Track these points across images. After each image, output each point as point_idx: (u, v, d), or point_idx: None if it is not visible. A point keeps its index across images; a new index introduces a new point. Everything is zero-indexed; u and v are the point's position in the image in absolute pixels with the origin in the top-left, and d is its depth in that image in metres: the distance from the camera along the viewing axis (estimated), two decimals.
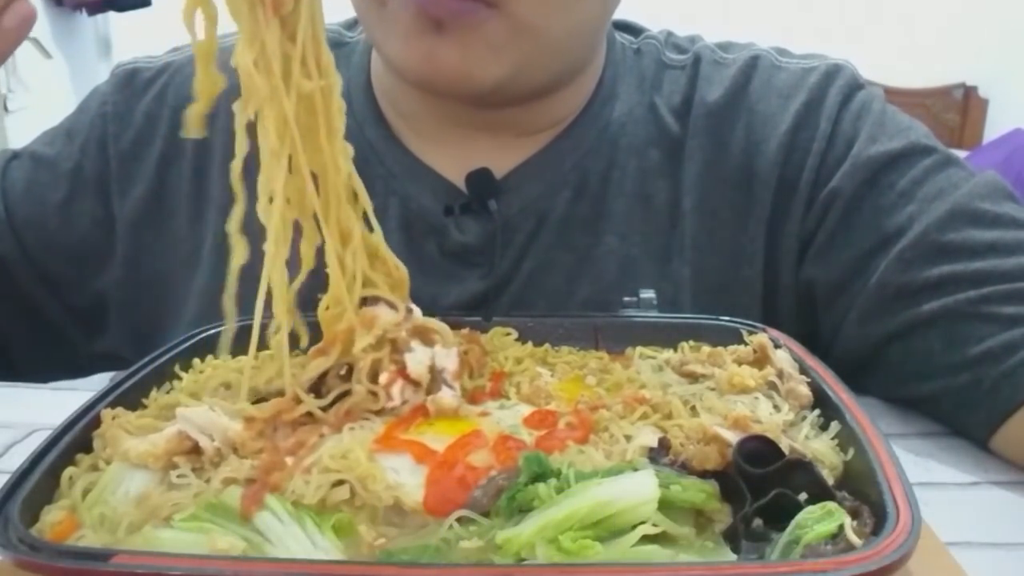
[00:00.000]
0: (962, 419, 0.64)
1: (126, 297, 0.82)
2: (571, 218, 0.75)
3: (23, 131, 2.54)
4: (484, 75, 0.65)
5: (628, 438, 0.50)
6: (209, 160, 0.78)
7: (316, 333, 0.56)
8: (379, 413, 0.52)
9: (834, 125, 0.73)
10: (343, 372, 0.54)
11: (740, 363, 0.59)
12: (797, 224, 0.74)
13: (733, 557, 0.42)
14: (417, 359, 0.53)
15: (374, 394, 0.52)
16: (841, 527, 0.40)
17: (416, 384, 0.53)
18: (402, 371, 0.53)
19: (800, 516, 0.41)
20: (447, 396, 0.52)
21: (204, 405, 0.51)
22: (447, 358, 0.54)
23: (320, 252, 0.54)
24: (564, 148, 0.75)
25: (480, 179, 0.72)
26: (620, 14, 0.83)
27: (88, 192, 0.80)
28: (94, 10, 3.29)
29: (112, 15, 3.38)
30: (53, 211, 0.80)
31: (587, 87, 0.76)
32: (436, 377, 0.53)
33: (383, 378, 0.52)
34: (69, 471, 0.47)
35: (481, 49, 0.63)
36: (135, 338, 0.82)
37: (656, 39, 0.81)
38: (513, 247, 0.75)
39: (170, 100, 0.80)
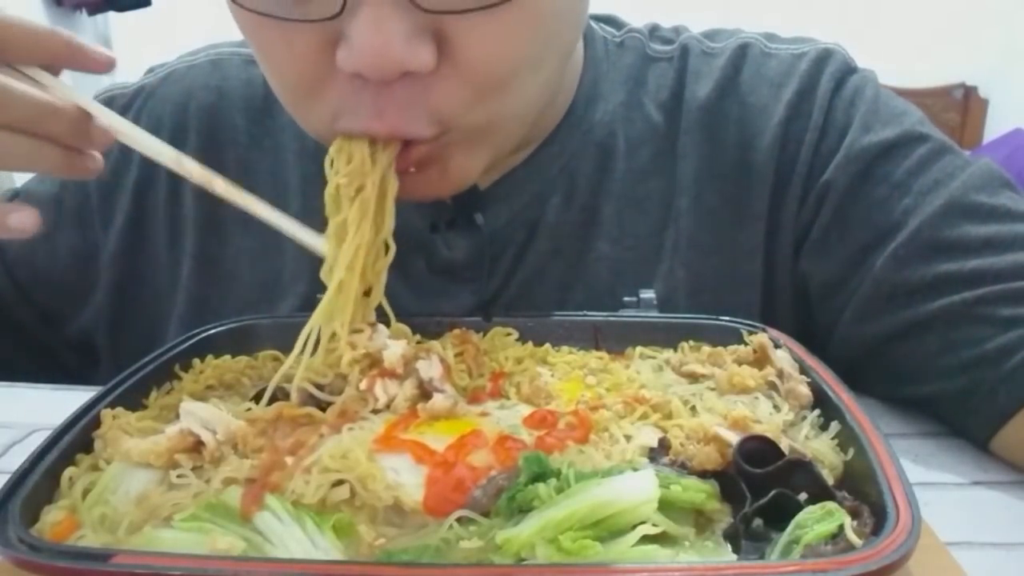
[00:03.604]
0: (961, 421, 0.63)
1: (113, 327, 0.81)
2: (561, 225, 0.74)
3: None
4: (469, 175, 0.64)
5: (628, 438, 0.50)
6: (183, 181, 0.77)
7: None
8: (376, 412, 0.52)
9: (827, 114, 0.72)
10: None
11: (740, 363, 0.59)
12: (792, 218, 0.73)
13: (733, 557, 0.42)
14: (391, 352, 0.55)
15: (363, 399, 0.53)
16: (841, 527, 0.40)
17: (394, 376, 0.54)
18: (381, 371, 0.54)
19: (800, 516, 0.41)
20: (439, 399, 0.52)
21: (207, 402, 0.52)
22: (430, 368, 0.55)
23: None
24: (550, 154, 0.73)
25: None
26: (615, 10, 0.83)
27: (69, 224, 0.80)
28: (94, 10, 3.29)
29: (112, 15, 3.38)
30: (38, 244, 0.79)
31: (568, 91, 0.74)
32: (426, 387, 0.54)
33: (364, 384, 0.53)
34: (69, 471, 0.47)
35: (449, 163, 0.61)
36: (127, 367, 0.82)
37: (640, 32, 0.79)
38: (504, 260, 0.74)
39: (144, 124, 0.77)
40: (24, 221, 0.52)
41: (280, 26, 0.53)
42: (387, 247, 0.59)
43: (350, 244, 0.56)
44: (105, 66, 0.56)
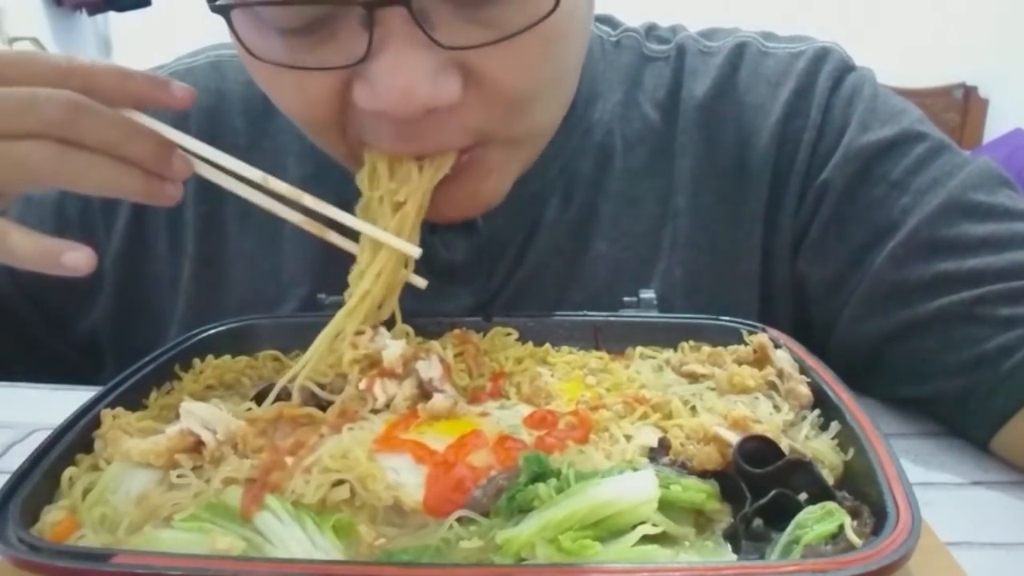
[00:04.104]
0: (961, 421, 0.63)
1: (118, 329, 0.81)
2: (559, 224, 0.74)
3: None
4: (494, 198, 0.66)
5: (628, 438, 0.50)
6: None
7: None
8: (376, 412, 0.52)
9: (825, 113, 0.72)
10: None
11: (740, 363, 0.59)
12: (790, 217, 0.73)
13: (733, 557, 0.42)
14: (390, 352, 0.55)
15: (363, 398, 0.53)
16: (841, 527, 0.40)
17: (393, 375, 0.54)
18: (381, 371, 0.54)
19: (800, 516, 0.41)
20: (439, 399, 0.52)
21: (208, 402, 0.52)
22: (430, 368, 0.55)
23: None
24: (549, 154, 0.72)
25: None
26: (612, 10, 0.83)
27: (72, 228, 0.79)
28: (94, 10, 3.29)
29: (112, 15, 3.38)
30: None
31: (568, 92, 0.74)
32: (426, 387, 0.54)
33: (363, 384, 0.53)
34: (69, 471, 0.47)
35: (480, 183, 0.63)
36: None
37: (636, 32, 0.79)
38: (503, 260, 0.74)
39: None
40: (79, 260, 0.52)
41: (293, 73, 0.54)
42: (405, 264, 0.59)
43: (382, 257, 0.57)
44: (187, 101, 0.57)
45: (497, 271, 0.74)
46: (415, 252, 0.56)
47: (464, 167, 0.59)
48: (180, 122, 0.77)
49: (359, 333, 0.56)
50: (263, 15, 0.53)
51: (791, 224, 0.73)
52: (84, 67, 0.53)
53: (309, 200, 0.55)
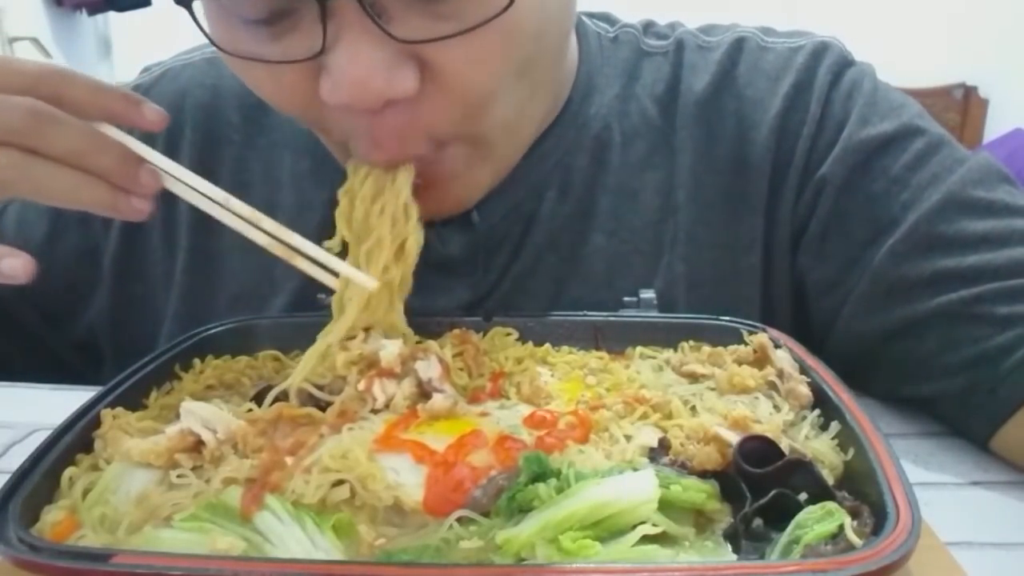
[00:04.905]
0: (961, 421, 0.63)
1: (115, 325, 0.81)
2: (557, 218, 0.74)
3: None
4: (475, 191, 0.66)
5: (628, 438, 0.50)
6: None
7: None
8: (376, 412, 0.52)
9: (824, 107, 0.72)
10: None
11: (740, 363, 0.59)
12: (789, 211, 0.73)
13: (733, 557, 0.42)
14: (388, 352, 0.55)
15: (362, 398, 0.53)
16: (841, 527, 0.40)
17: (391, 375, 0.54)
18: (379, 371, 0.54)
19: (800, 516, 0.41)
20: (439, 399, 0.52)
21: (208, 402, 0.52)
22: (429, 368, 0.55)
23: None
24: (545, 148, 0.72)
25: None
26: (609, 8, 0.83)
27: (70, 226, 0.80)
28: (94, 10, 3.29)
29: (112, 15, 3.38)
30: (39, 247, 0.78)
31: (564, 86, 0.73)
32: (426, 387, 0.54)
33: (362, 384, 0.53)
34: (69, 471, 0.47)
35: (457, 179, 0.63)
36: (129, 365, 0.81)
37: (634, 28, 0.79)
38: (500, 254, 0.74)
39: None
40: (15, 267, 0.51)
41: (265, 65, 0.54)
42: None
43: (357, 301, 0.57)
44: (159, 124, 0.56)
45: (493, 265, 0.74)
46: (371, 284, 0.55)
47: (434, 180, 0.60)
48: (176, 118, 0.78)
49: (351, 338, 0.56)
50: (225, 5, 0.52)
51: (790, 219, 0.73)
52: (56, 76, 0.52)
53: (269, 224, 0.54)
